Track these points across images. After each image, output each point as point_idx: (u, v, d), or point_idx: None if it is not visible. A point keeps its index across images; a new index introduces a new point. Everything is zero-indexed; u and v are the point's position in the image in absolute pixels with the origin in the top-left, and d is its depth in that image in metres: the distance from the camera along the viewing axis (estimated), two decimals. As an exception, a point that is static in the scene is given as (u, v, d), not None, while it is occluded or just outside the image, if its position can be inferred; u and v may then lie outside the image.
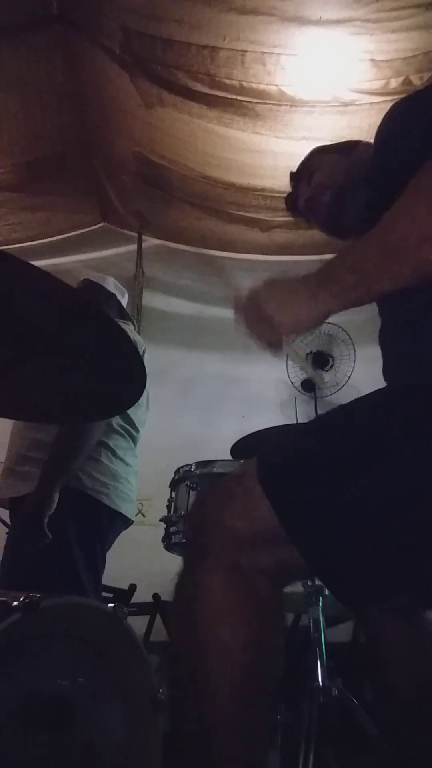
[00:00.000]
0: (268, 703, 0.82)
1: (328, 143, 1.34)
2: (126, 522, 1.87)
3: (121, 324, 2.02)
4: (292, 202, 1.35)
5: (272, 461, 0.84)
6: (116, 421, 1.88)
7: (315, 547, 0.77)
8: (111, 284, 2.12)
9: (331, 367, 3.46)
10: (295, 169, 1.34)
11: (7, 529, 1.77)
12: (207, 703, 0.74)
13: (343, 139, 1.34)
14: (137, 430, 1.98)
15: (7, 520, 1.80)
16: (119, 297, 2.13)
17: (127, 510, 1.86)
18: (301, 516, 0.78)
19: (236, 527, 0.79)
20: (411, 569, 0.79)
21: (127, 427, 1.94)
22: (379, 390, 0.89)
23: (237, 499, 0.81)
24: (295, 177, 1.33)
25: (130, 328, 2.10)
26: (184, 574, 0.83)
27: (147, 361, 2.05)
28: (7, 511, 1.82)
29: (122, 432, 1.91)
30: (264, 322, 0.88)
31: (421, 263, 0.78)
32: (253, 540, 0.78)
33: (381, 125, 1.00)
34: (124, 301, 2.18)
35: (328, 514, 0.77)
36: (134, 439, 1.98)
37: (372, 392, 0.87)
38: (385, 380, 0.99)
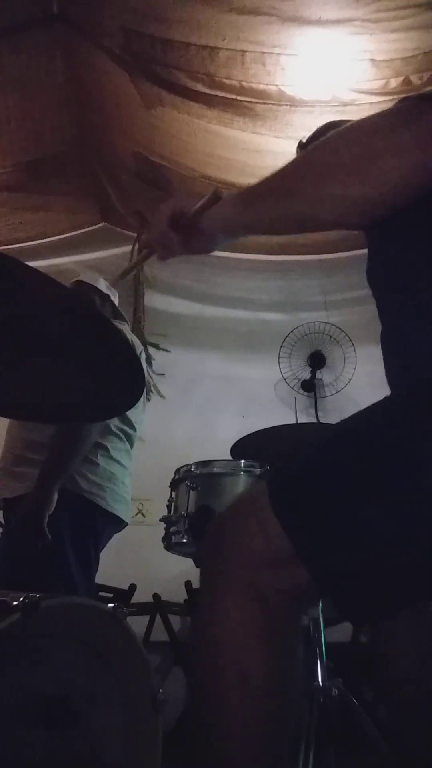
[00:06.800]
0: (287, 729, 0.79)
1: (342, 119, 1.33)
2: (120, 523, 1.87)
3: (118, 325, 2.03)
4: None
5: (282, 482, 0.83)
6: (113, 422, 1.88)
7: (325, 567, 0.76)
8: (103, 285, 2.12)
9: (325, 366, 3.50)
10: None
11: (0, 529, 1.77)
12: (222, 726, 0.72)
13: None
14: (134, 430, 1.98)
15: (1, 520, 1.80)
16: (112, 297, 2.14)
17: (122, 512, 1.86)
18: (312, 537, 0.76)
19: (253, 546, 0.77)
20: (426, 586, 0.79)
21: (124, 428, 1.94)
22: (383, 400, 0.88)
23: (252, 519, 0.79)
24: (303, 146, 1.32)
25: (126, 329, 2.10)
26: (201, 596, 0.81)
27: (144, 361, 2.05)
28: (1, 511, 1.82)
29: (118, 433, 1.92)
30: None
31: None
32: (270, 559, 0.76)
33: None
34: (115, 301, 2.18)
35: (339, 533, 0.76)
36: (130, 440, 1.98)
37: (374, 403, 0.87)
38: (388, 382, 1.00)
